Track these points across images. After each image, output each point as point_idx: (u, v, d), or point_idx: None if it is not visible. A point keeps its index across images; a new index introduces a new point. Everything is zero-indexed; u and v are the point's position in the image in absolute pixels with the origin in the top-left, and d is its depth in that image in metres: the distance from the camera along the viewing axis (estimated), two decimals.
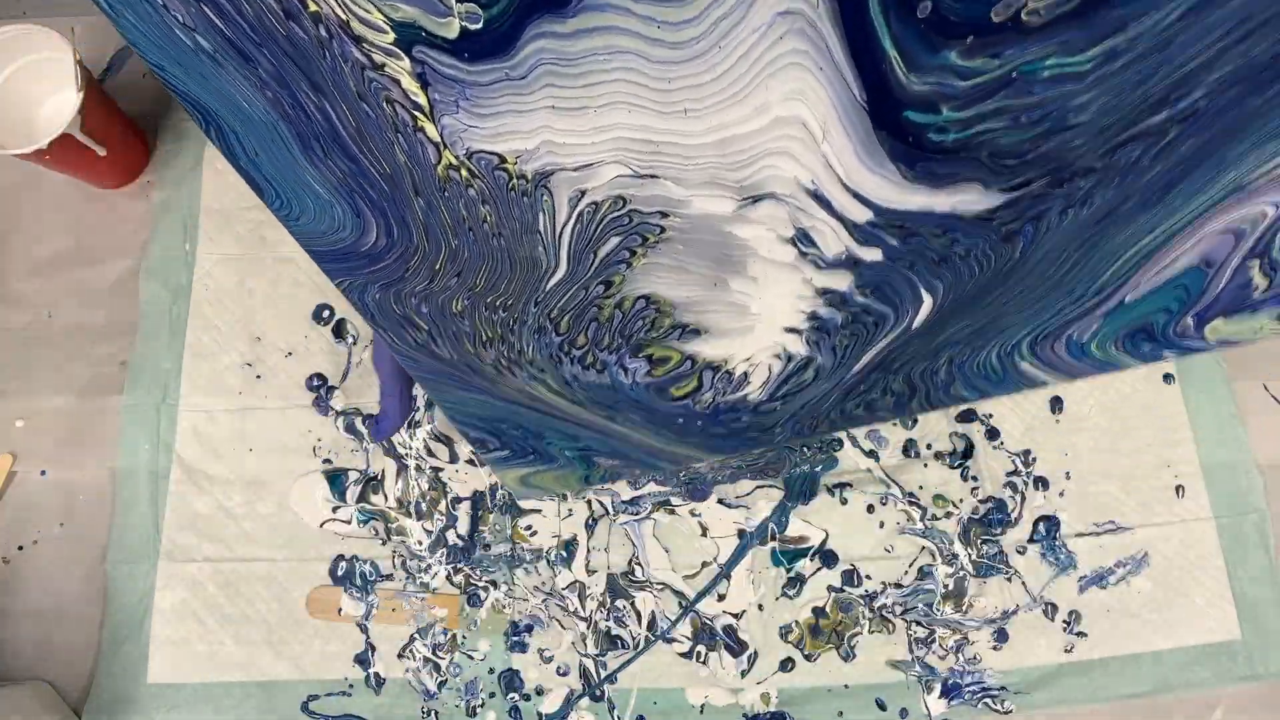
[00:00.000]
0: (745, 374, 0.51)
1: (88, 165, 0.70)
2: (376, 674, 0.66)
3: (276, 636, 0.66)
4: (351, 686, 0.66)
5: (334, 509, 0.69)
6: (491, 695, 0.66)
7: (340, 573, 0.68)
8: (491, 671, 0.66)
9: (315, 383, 0.71)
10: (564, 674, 0.66)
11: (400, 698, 0.65)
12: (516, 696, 0.65)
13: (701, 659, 0.66)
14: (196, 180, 0.75)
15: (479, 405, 0.53)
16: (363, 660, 0.66)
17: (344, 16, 0.32)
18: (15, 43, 0.67)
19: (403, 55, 0.34)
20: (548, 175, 0.40)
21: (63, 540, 0.69)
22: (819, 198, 0.42)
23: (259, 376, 0.72)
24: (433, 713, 0.65)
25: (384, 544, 0.68)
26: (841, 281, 0.46)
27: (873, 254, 0.45)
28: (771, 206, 0.42)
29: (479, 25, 0.33)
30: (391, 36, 0.33)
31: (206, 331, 0.72)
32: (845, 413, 0.55)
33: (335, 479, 0.70)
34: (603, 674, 0.66)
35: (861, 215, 0.43)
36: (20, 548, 0.69)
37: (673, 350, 0.49)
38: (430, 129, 0.37)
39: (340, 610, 0.67)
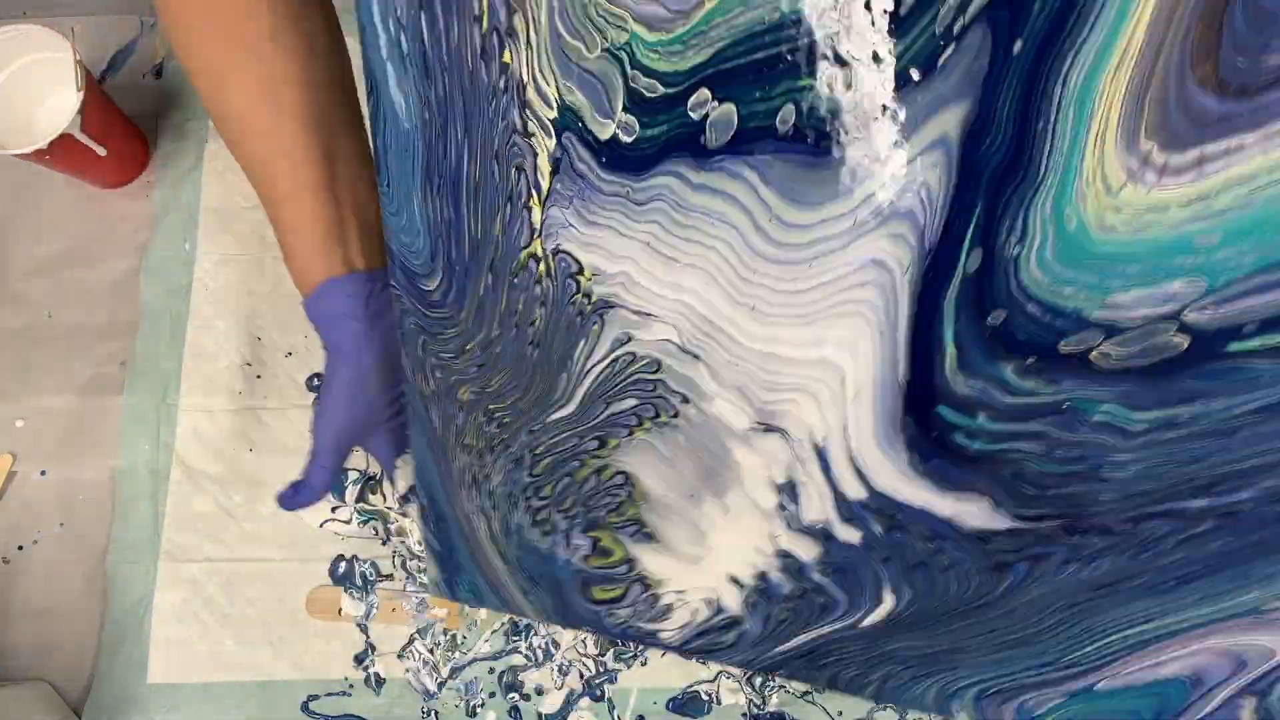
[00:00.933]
0: (669, 607, 0.49)
1: (88, 165, 0.70)
2: (376, 674, 0.66)
3: (276, 636, 0.66)
4: (351, 686, 0.66)
5: (333, 509, 0.69)
6: (491, 695, 0.66)
7: (340, 572, 0.68)
8: (491, 671, 0.66)
9: (315, 383, 0.72)
10: (564, 674, 0.66)
11: (400, 698, 0.65)
12: (516, 696, 0.65)
13: (702, 659, 0.66)
14: (196, 180, 0.75)
15: (433, 481, 0.52)
16: (363, 660, 0.66)
17: (525, 79, 0.34)
18: (15, 43, 0.67)
19: (552, 135, 0.35)
20: (609, 306, 0.39)
21: (63, 540, 0.69)
22: (821, 455, 0.41)
23: (259, 376, 0.72)
24: (433, 713, 0.65)
25: (384, 544, 0.68)
26: (807, 551, 0.44)
27: (850, 534, 0.43)
28: (778, 443, 0.41)
29: (630, 139, 0.34)
30: (554, 114, 0.34)
31: (206, 331, 0.72)
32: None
33: None
34: (603, 674, 0.66)
35: (855, 491, 0.41)
36: (20, 548, 0.69)
37: (620, 546, 0.48)
38: (536, 213, 0.38)
39: (340, 610, 0.67)
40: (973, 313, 0.35)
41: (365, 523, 0.69)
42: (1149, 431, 0.36)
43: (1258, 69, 0.30)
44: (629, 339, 0.40)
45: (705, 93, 0.33)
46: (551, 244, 0.38)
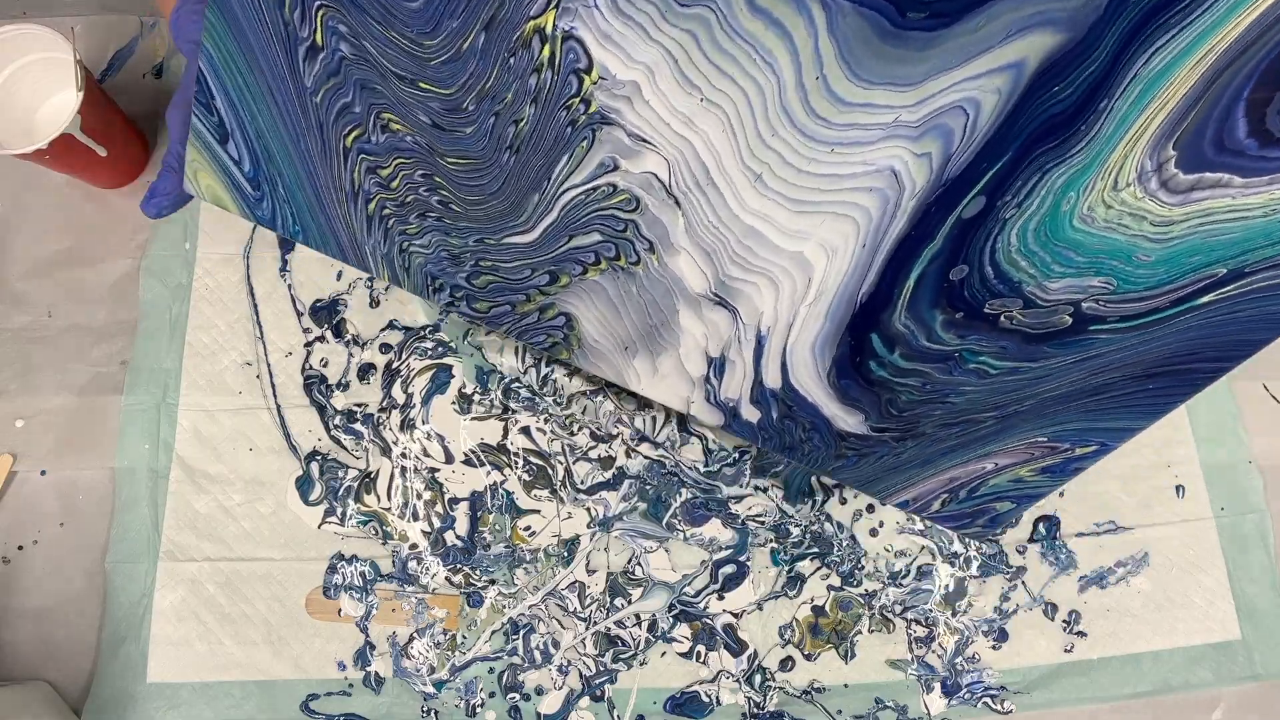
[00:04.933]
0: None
1: (88, 165, 0.70)
2: (376, 674, 0.66)
3: (276, 636, 0.66)
4: (351, 686, 0.66)
5: (326, 513, 0.69)
6: (491, 695, 0.66)
7: (340, 582, 0.67)
8: (491, 671, 0.66)
9: (315, 382, 0.72)
10: (564, 674, 0.66)
11: (400, 698, 0.65)
12: (516, 696, 0.65)
13: (701, 659, 0.66)
14: None
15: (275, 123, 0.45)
16: (363, 660, 0.66)
17: None
18: (15, 43, 0.67)
19: None
20: (606, 122, 0.37)
21: (63, 540, 0.69)
22: (760, 342, 0.44)
23: (259, 376, 0.72)
24: (433, 712, 0.65)
25: (384, 544, 0.68)
26: (710, 419, 0.50)
27: (751, 414, 0.49)
28: (725, 319, 0.43)
29: None
30: None
31: (206, 331, 0.72)
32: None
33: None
34: (603, 674, 0.66)
35: (773, 381, 0.46)
36: (20, 548, 0.69)
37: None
38: None
39: (340, 610, 0.67)
40: (945, 261, 0.39)
41: (365, 524, 0.69)
42: (998, 376, 0.43)
43: None
44: (615, 166, 0.38)
45: None
46: (566, 22, 0.34)
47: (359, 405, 0.71)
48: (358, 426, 0.70)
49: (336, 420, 0.71)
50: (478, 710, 0.66)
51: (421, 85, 0.38)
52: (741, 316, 0.42)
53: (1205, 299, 0.39)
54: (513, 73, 0.36)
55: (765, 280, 0.41)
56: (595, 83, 0.35)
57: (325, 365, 0.72)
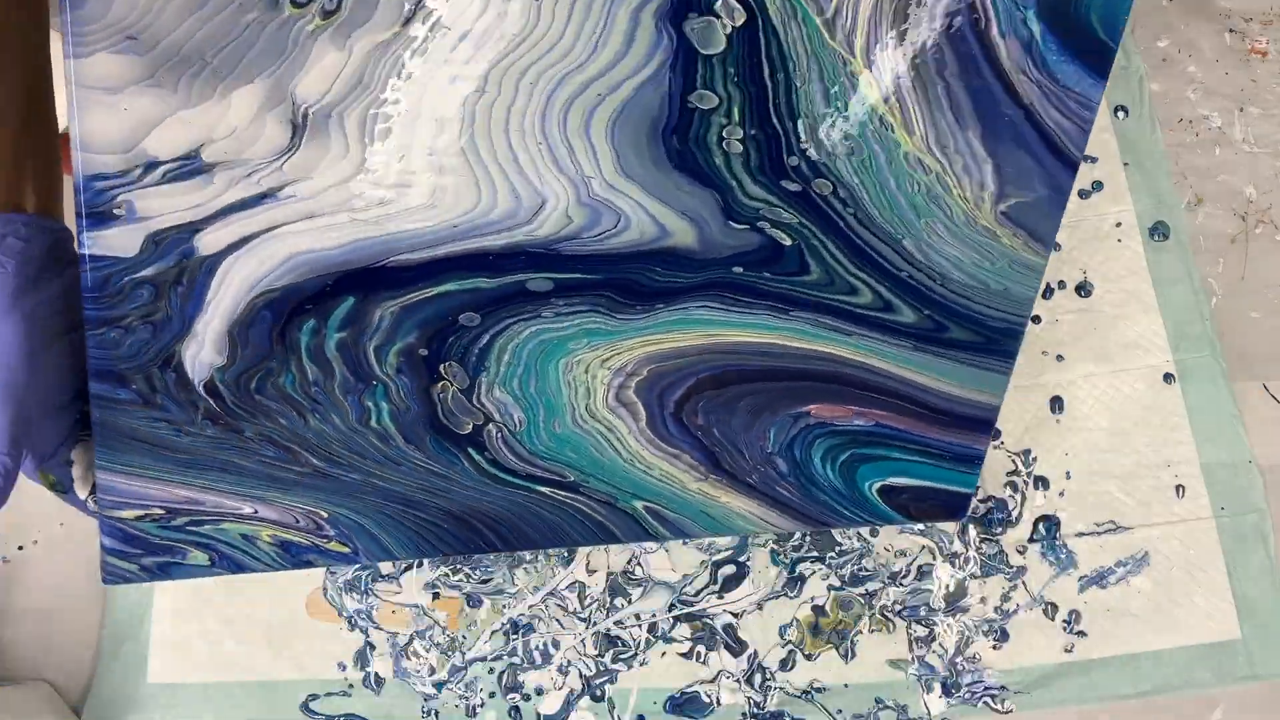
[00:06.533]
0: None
1: None
2: (376, 674, 0.66)
3: (276, 636, 0.66)
4: (351, 686, 0.66)
5: None
6: (491, 695, 0.66)
7: (340, 584, 0.67)
8: (491, 671, 0.66)
9: None
10: (564, 674, 0.66)
11: (400, 698, 0.65)
12: (516, 696, 0.65)
13: (701, 659, 0.66)
14: None
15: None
16: (362, 660, 0.66)
17: None
18: None
19: None
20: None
21: (63, 540, 0.69)
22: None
23: None
24: (433, 712, 0.65)
25: None
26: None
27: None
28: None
29: None
30: None
31: None
32: None
33: None
34: (603, 674, 0.66)
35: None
36: (20, 548, 0.69)
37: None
38: None
39: (340, 612, 0.67)
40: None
41: None
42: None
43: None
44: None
45: None
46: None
47: None
48: None
49: None
50: (478, 710, 0.66)
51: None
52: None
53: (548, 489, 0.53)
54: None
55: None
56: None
57: None
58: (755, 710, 0.65)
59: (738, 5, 0.41)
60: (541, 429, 0.50)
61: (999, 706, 0.65)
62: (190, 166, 0.41)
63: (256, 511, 0.49)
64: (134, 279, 0.42)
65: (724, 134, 0.45)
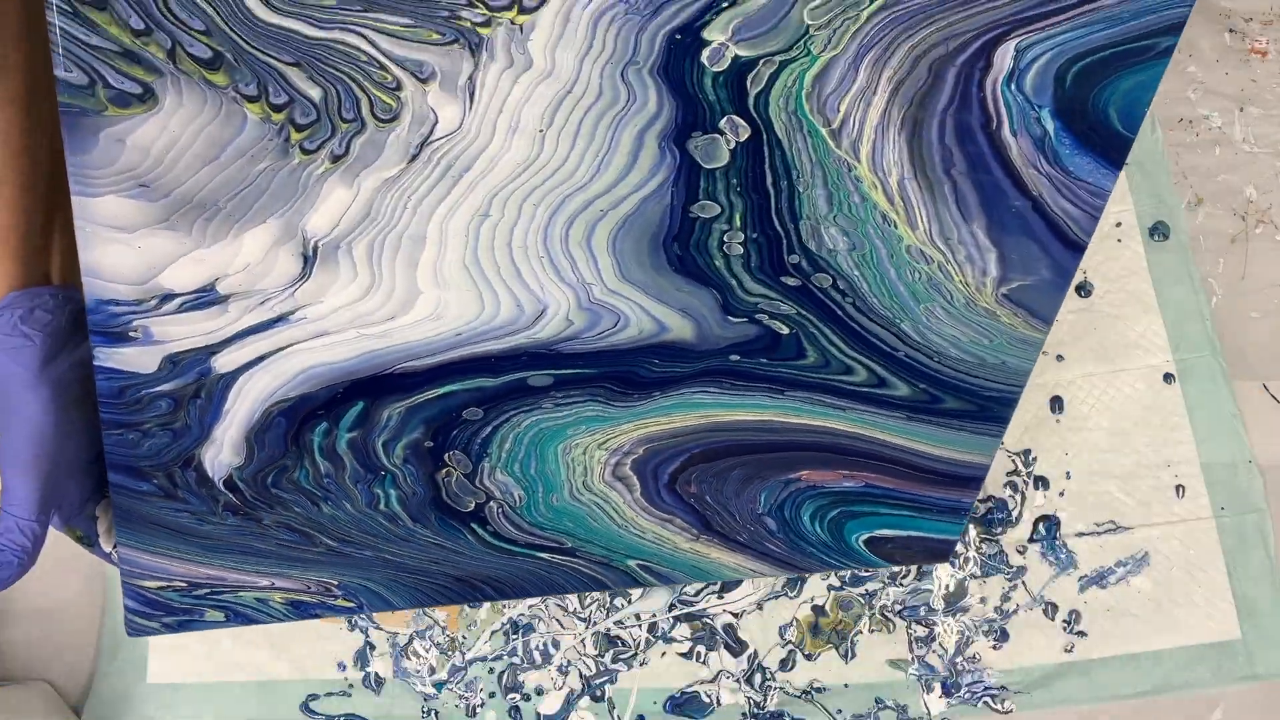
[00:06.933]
0: None
1: None
2: (376, 674, 0.66)
3: (276, 637, 0.66)
4: (351, 686, 0.66)
5: None
6: (491, 695, 0.66)
7: None
8: (491, 671, 0.66)
9: None
10: (564, 674, 0.66)
11: (400, 698, 0.65)
12: (516, 696, 0.65)
13: (701, 659, 0.66)
14: None
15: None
16: (362, 660, 0.66)
17: None
18: None
19: None
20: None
21: (63, 540, 0.69)
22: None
23: None
24: (433, 712, 0.65)
25: None
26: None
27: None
28: None
29: None
30: None
31: None
32: None
33: None
34: (603, 674, 0.66)
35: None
36: None
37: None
38: None
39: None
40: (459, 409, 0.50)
41: None
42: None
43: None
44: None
45: None
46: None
47: None
48: None
49: None
50: (478, 710, 0.66)
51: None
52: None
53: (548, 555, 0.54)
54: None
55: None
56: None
57: None
58: (755, 710, 0.65)
59: (743, 123, 0.42)
60: (540, 504, 0.52)
61: (999, 706, 0.65)
62: (206, 298, 0.42)
63: (273, 584, 0.51)
64: (152, 392, 0.44)
65: (725, 239, 0.45)
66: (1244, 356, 0.72)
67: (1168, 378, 0.71)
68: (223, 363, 0.44)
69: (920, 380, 0.53)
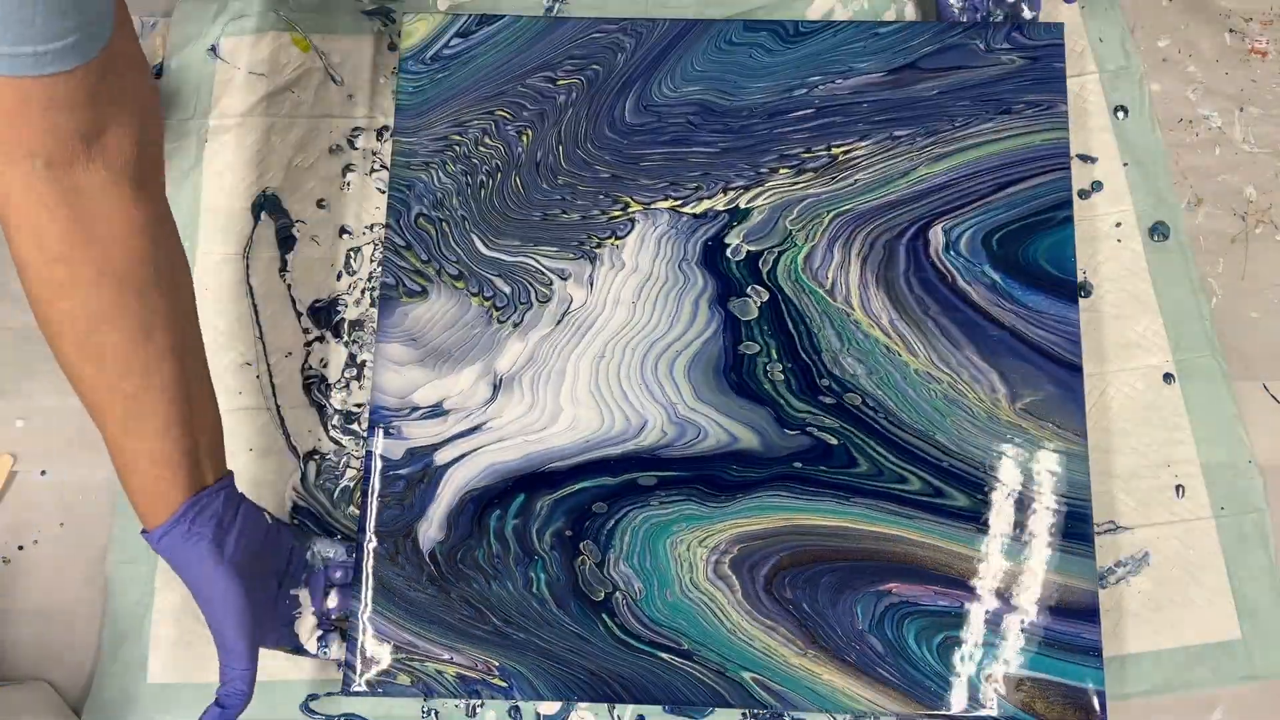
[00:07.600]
0: None
1: None
2: None
3: None
4: None
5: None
6: (492, 695, 0.65)
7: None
8: None
9: (315, 382, 0.72)
10: None
11: (400, 698, 0.65)
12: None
13: None
14: (196, 180, 0.75)
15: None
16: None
17: None
18: None
19: None
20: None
21: (63, 540, 0.69)
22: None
23: (259, 377, 0.72)
24: (433, 712, 0.65)
25: None
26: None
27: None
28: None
29: None
30: None
31: (206, 332, 0.72)
32: None
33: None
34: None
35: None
36: (20, 548, 0.69)
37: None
38: None
39: None
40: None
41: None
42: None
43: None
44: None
45: None
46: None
47: (359, 406, 0.71)
48: (356, 427, 0.70)
49: (335, 420, 0.71)
50: (478, 710, 0.66)
51: None
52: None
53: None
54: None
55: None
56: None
57: (325, 365, 0.72)
58: (755, 711, 0.65)
59: (762, 289, 0.67)
60: (656, 598, 0.62)
61: None
62: (436, 411, 0.66)
63: (451, 658, 0.62)
64: (395, 474, 0.65)
65: (767, 369, 0.65)
66: (1244, 356, 0.72)
67: (1168, 378, 0.70)
68: (439, 457, 0.65)
69: (974, 490, 0.62)
